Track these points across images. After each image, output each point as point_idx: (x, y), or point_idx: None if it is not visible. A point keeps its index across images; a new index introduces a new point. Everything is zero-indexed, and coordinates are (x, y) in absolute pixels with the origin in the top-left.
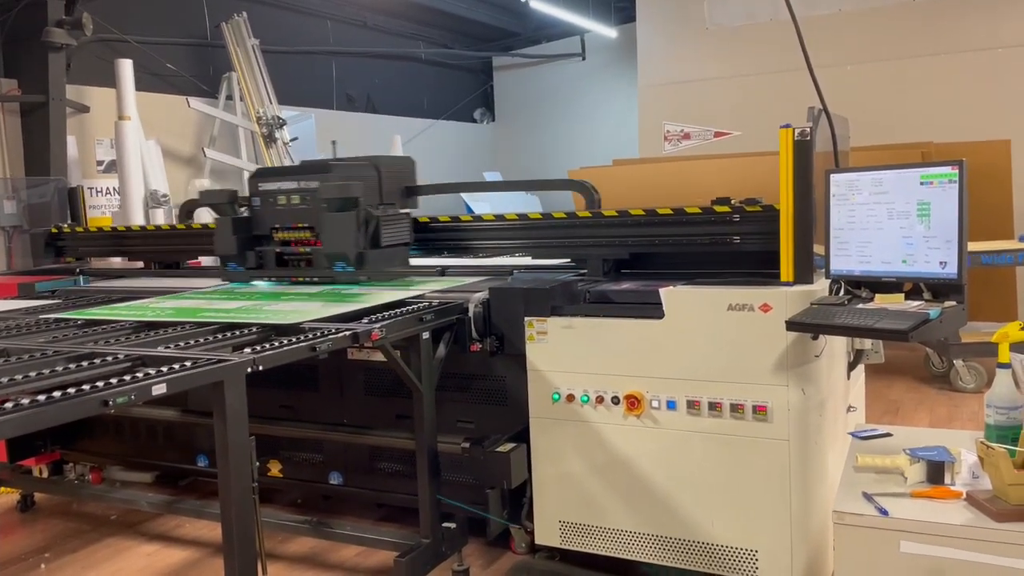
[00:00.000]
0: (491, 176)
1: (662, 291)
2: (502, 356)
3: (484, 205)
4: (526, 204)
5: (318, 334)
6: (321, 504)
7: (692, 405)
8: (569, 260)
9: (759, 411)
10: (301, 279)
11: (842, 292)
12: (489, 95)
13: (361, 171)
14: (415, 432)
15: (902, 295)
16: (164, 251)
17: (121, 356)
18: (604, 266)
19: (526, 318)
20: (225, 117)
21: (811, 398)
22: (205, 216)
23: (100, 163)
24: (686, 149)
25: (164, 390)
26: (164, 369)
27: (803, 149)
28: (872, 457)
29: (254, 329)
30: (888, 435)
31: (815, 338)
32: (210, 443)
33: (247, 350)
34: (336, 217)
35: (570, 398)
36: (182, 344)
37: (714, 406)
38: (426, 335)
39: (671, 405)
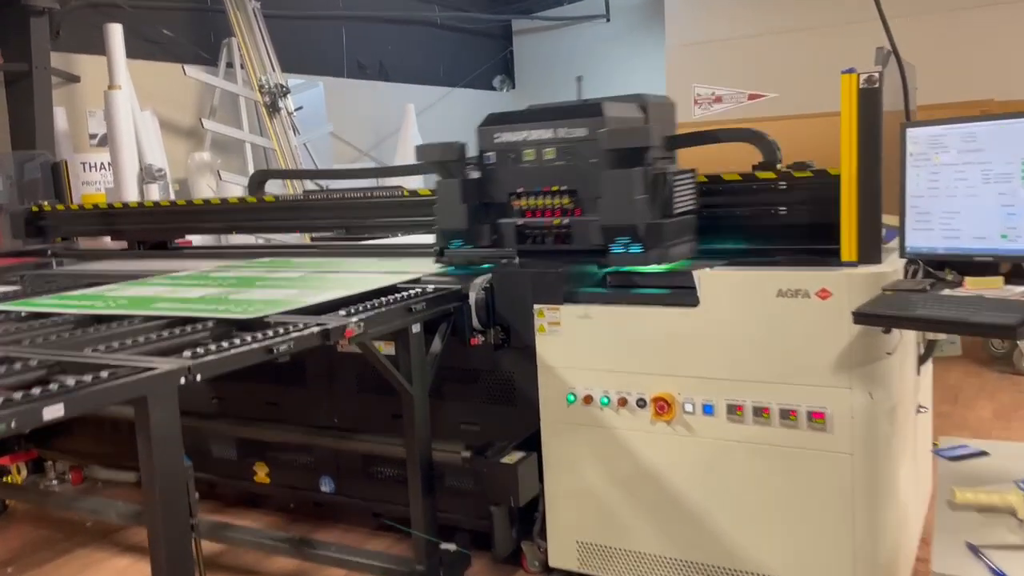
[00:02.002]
0: None
1: (696, 273)
2: (508, 349)
3: None
4: None
5: (281, 331)
6: (313, 510)
7: (733, 410)
8: None
9: (816, 418)
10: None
11: (921, 275)
12: (509, 61)
13: (628, 112)
14: (405, 441)
15: (1000, 279)
16: (153, 230)
17: (34, 362)
18: None
19: (535, 306)
20: (224, 85)
21: (880, 403)
22: (276, 188)
23: (93, 136)
24: (718, 113)
25: (61, 412)
26: (71, 383)
27: (871, 99)
28: (974, 492)
29: (210, 324)
30: (984, 454)
31: (887, 332)
32: (193, 441)
33: (186, 353)
34: (619, 176)
35: (588, 400)
36: (116, 345)
37: (760, 412)
38: (417, 328)
39: (708, 410)
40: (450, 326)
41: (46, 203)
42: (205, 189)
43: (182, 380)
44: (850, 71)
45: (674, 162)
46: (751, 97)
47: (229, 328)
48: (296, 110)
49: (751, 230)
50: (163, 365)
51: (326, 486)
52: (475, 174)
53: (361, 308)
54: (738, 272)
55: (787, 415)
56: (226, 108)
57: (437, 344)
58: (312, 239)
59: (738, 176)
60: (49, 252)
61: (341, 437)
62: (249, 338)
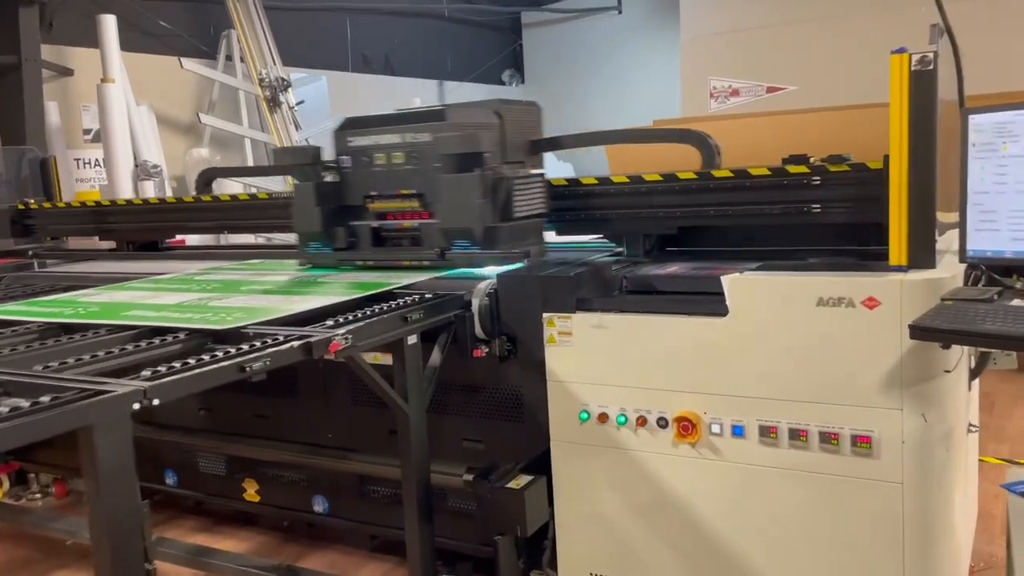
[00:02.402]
0: None
1: (725, 279)
2: (515, 361)
3: None
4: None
5: (259, 344)
6: (306, 531)
7: (767, 432)
8: (601, 237)
9: (861, 443)
10: (406, 263)
11: (984, 282)
12: (518, 54)
13: (479, 118)
14: (401, 463)
15: None
16: (142, 229)
17: None
18: (646, 243)
19: (545, 314)
20: (222, 79)
21: (935, 426)
22: (231, 187)
23: (87, 132)
24: (734, 107)
25: None
26: (4, 410)
27: (924, 81)
28: None
29: (181, 336)
30: None
31: (946, 347)
32: (178, 456)
33: (146, 372)
34: (456, 180)
35: (603, 418)
36: (72, 361)
37: (797, 434)
38: (413, 339)
39: (737, 431)
40: (451, 336)
41: (32, 201)
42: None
43: (136, 406)
44: (901, 51)
45: (541, 165)
46: (770, 90)
47: (203, 340)
48: (297, 104)
49: (780, 230)
50: (115, 388)
51: (319, 505)
52: (331, 177)
53: (351, 317)
54: (772, 278)
55: (828, 439)
56: (225, 103)
57: (436, 356)
58: None
59: (767, 171)
60: (30, 253)
61: (334, 457)
62: (221, 353)
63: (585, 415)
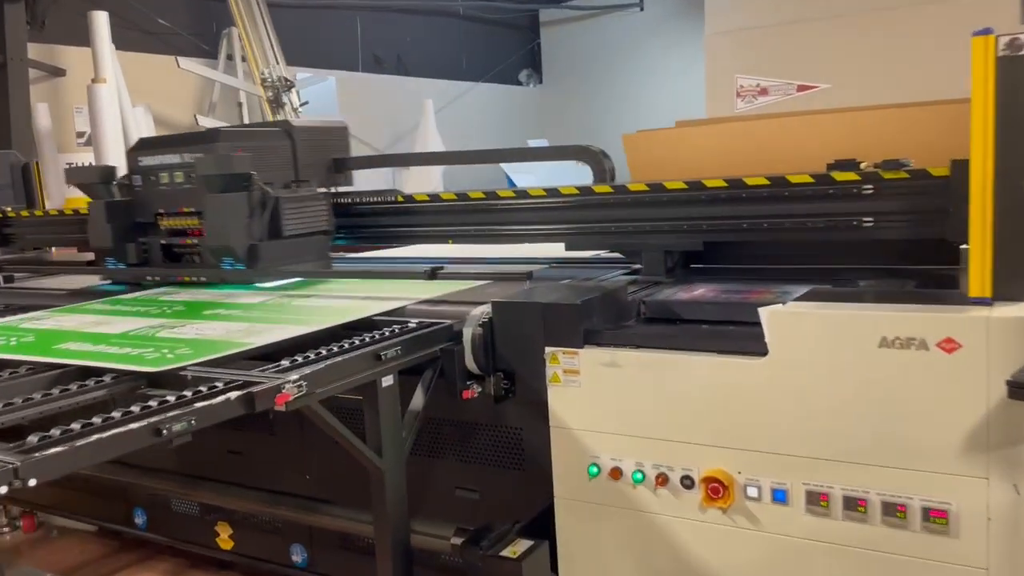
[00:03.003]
0: (537, 145)
1: (765, 312)
2: (514, 401)
3: (529, 177)
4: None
5: (204, 390)
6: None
7: (815, 499)
8: (616, 252)
9: (935, 517)
10: (187, 279)
11: None
12: (536, 54)
13: (267, 140)
14: (375, 526)
15: None
16: None
17: None
18: (667, 260)
19: (547, 348)
20: (223, 79)
21: None
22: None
23: (80, 135)
24: (763, 106)
25: None
26: None
27: (1015, 69)
28: None
29: (107, 379)
30: None
31: None
32: (147, 494)
33: (32, 438)
34: (219, 200)
35: (616, 474)
36: None
37: (854, 503)
38: (388, 380)
39: (779, 496)
40: (437, 372)
41: (10, 209)
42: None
43: (3, 489)
44: (984, 32)
45: (342, 183)
46: (801, 88)
47: (137, 383)
48: (302, 105)
49: (823, 246)
50: None
51: (298, 555)
52: (124, 195)
53: (313, 355)
54: (823, 311)
55: (892, 510)
56: (227, 104)
57: (419, 398)
58: None
59: (809, 178)
60: None
61: (306, 510)
62: (137, 408)
63: (595, 469)
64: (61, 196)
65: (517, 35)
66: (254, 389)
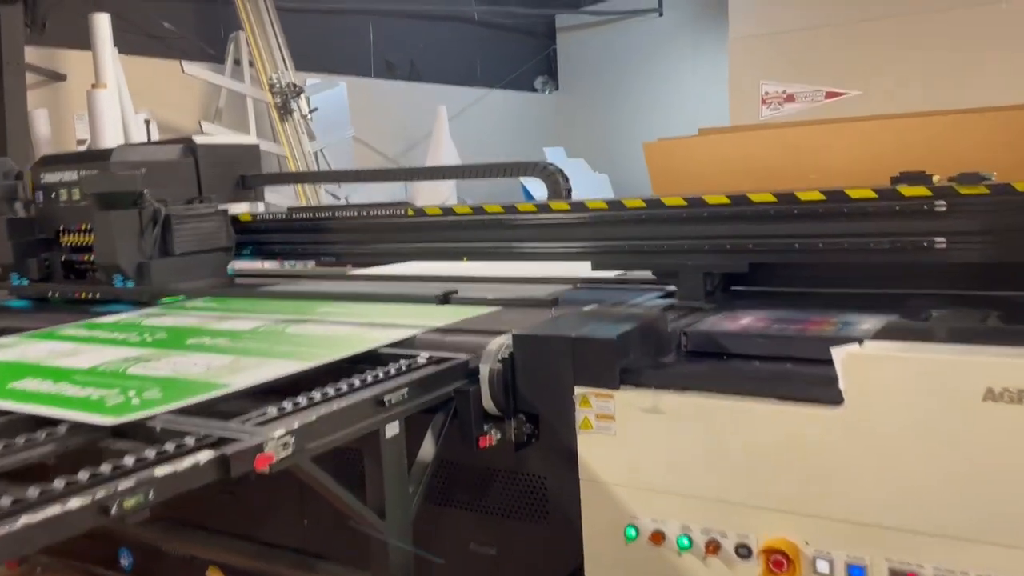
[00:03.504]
0: (552, 153)
1: (839, 354)
2: (537, 447)
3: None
4: (596, 184)
5: (171, 449)
6: None
7: None
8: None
9: None
10: (84, 295)
11: None
12: (552, 60)
13: (167, 156)
14: None
15: None
16: None
17: None
18: (707, 283)
19: (577, 389)
20: (229, 84)
21: None
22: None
23: (81, 142)
24: (790, 113)
25: None
26: None
27: None
28: None
29: (62, 431)
30: None
31: None
32: (133, 535)
33: None
34: (107, 217)
35: (657, 538)
36: None
37: None
38: (394, 429)
39: (855, 573)
40: (450, 415)
41: None
42: None
43: None
44: None
45: (258, 199)
46: (829, 95)
47: (96, 436)
48: (311, 112)
49: (884, 269)
50: None
51: None
52: (24, 211)
53: (304, 400)
54: (914, 355)
55: None
56: (233, 110)
57: (429, 447)
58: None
59: (872, 193)
60: None
61: (304, 567)
62: (86, 476)
63: (633, 531)
64: None
65: (533, 41)
66: (228, 450)
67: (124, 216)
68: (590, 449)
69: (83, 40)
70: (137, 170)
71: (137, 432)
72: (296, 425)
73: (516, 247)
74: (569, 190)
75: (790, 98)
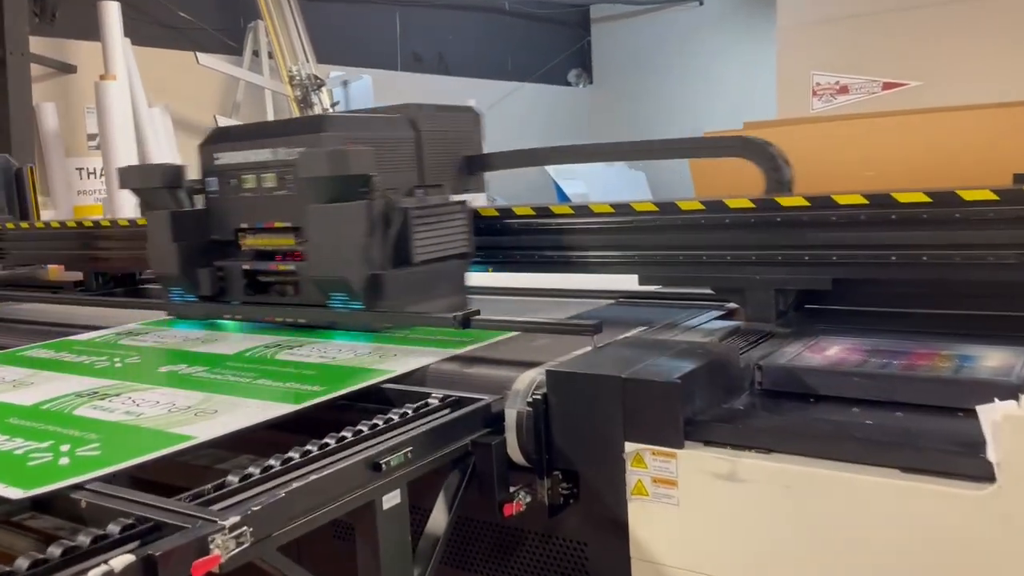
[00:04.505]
0: None
1: (987, 414)
2: (576, 510)
3: (577, 184)
4: (630, 183)
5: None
6: None
7: None
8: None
9: None
10: (278, 320)
11: None
12: (586, 52)
13: (387, 129)
14: None
15: None
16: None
17: None
18: (779, 302)
19: (628, 445)
20: (247, 76)
21: None
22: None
23: (92, 137)
24: (843, 106)
25: None
26: None
27: None
28: None
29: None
30: None
31: None
32: None
33: None
34: (328, 212)
35: None
36: None
37: None
38: (394, 499)
39: None
40: (467, 474)
41: None
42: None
43: None
44: None
45: (474, 189)
46: (886, 86)
47: (10, 510)
48: (333, 106)
49: (948, 287)
50: None
51: None
52: (194, 204)
53: (278, 464)
54: None
55: None
56: (252, 104)
57: (441, 518)
58: None
59: (924, 197)
60: None
61: None
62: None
63: None
64: (69, 204)
65: (566, 33)
66: (156, 551)
67: (352, 211)
68: (645, 522)
69: (95, 31)
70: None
71: (60, 507)
72: (257, 507)
73: (547, 255)
74: (790, 181)
75: (843, 89)
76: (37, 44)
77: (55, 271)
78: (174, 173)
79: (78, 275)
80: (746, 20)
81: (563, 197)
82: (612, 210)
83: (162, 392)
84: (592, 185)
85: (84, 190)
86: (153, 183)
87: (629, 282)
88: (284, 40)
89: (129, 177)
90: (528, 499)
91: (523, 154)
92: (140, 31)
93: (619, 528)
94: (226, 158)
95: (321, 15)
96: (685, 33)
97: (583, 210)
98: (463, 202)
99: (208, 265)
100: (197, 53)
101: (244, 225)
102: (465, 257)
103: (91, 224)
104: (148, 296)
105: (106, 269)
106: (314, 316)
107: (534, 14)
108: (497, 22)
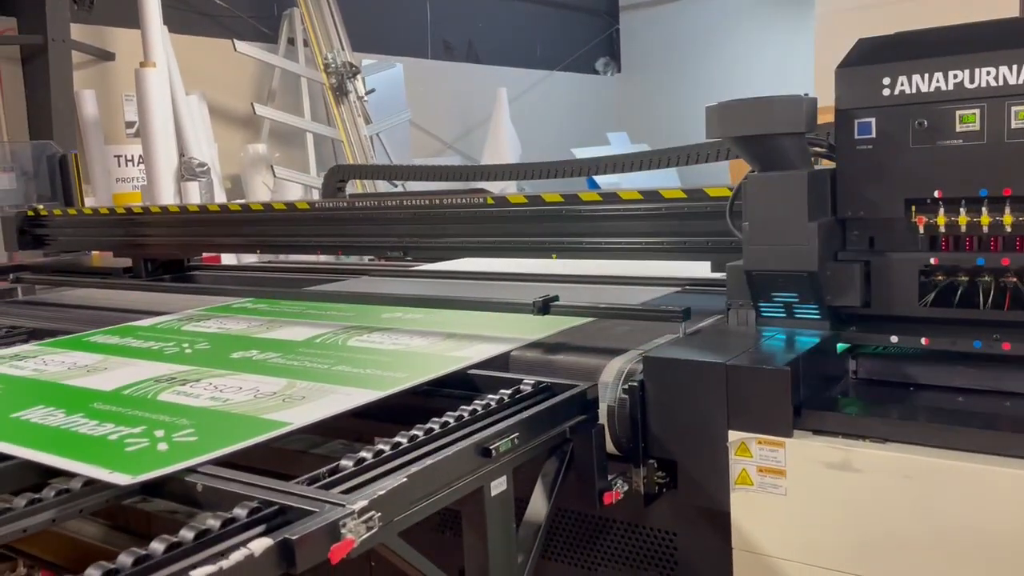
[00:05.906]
0: (616, 139)
1: None
2: (672, 500)
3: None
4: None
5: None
6: None
7: None
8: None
9: None
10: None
11: None
12: (614, 41)
13: None
14: None
15: None
16: (164, 244)
17: None
18: None
19: (732, 434)
20: (283, 64)
21: None
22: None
23: (130, 125)
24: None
25: None
26: None
27: None
28: None
29: (77, 486)
30: None
31: None
32: None
33: None
34: None
35: None
36: None
37: None
38: (501, 485)
39: None
40: (565, 462)
41: (42, 207)
42: (260, 187)
43: None
44: None
45: None
46: None
47: (118, 495)
48: (368, 93)
49: None
50: None
51: None
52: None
53: (388, 449)
54: None
55: None
56: (287, 92)
57: (541, 505)
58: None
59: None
60: (12, 277)
61: None
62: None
63: None
64: (108, 192)
65: (594, 21)
66: (293, 535)
67: None
68: (749, 512)
69: (133, 19)
70: None
71: (172, 490)
72: (383, 491)
73: (614, 243)
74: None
75: None
76: (76, 31)
77: (97, 258)
78: (809, 109)
79: (126, 261)
80: (780, 7)
81: (593, 185)
82: (684, 196)
83: (242, 378)
84: (629, 174)
85: (123, 177)
86: (768, 127)
87: (697, 269)
88: (319, 28)
89: (724, 118)
90: (625, 488)
91: None
92: (177, 19)
93: (717, 518)
94: (912, 83)
95: (353, 3)
96: (715, 21)
97: (653, 195)
98: None
99: (858, 261)
100: (234, 41)
101: (936, 194)
102: None
103: (140, 210)
104: (197, 282)
105: (156, 255)
106: None
107: (563, 2)
108: (526, 10)
